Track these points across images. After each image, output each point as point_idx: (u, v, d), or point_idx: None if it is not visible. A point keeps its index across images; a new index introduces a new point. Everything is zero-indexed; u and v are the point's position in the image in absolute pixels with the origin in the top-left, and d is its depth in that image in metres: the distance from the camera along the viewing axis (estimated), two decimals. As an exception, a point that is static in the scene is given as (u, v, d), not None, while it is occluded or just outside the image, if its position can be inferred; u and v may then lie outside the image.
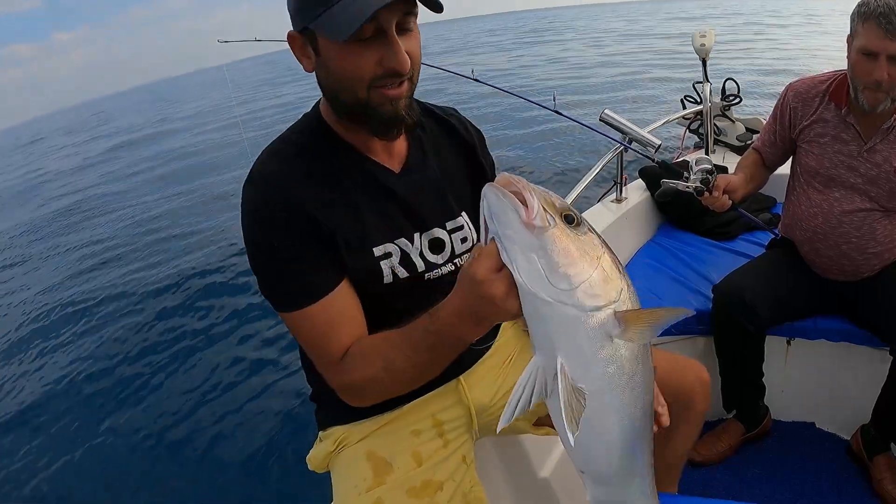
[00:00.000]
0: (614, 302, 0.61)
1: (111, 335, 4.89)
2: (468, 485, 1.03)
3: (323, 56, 0.83)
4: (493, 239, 0.64)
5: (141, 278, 6.02)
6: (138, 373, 4.12)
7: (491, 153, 1.11)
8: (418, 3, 0.80)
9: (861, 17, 1.39)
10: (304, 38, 0.84)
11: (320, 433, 1.08)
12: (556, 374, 0.62)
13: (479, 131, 1.10)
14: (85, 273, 6.44)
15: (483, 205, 0.64)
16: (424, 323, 0.79)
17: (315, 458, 1.07)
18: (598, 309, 0.61)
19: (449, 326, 0.75)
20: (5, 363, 4.64)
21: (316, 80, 0.88)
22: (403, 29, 0.81)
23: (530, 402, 0.65)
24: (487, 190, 0.63)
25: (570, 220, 0.63)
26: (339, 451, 1.03)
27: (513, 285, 0.64)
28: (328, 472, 1.08)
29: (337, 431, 1.04)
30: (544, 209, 0.61)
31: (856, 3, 1.42)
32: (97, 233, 7.90)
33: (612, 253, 0.65)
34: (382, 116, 0.84)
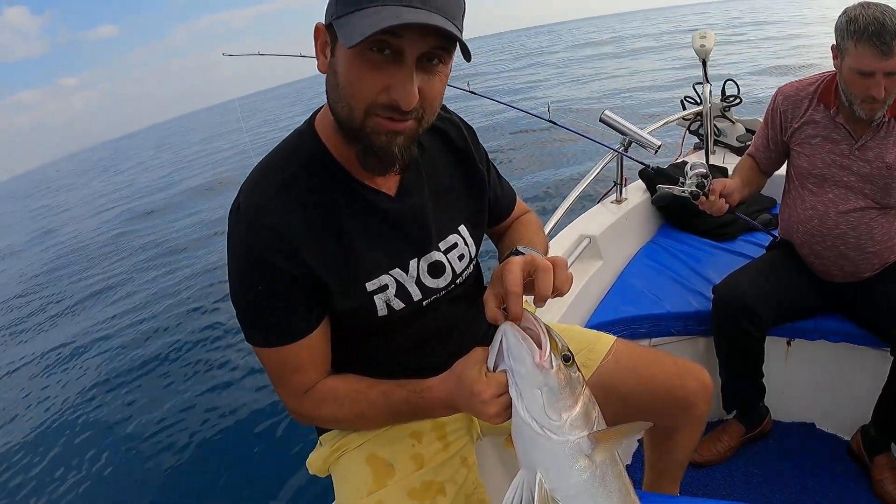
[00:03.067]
0: (590, 428, 0.74)
1: (109, 337, 4.89)
2: (471, 487, 1.03)
3: (335, 59, 0.76)
4: (503, 371, 0.76)
5: (140, 284, 6.02)
6: (138, 376, 4.12)
7: (488, 154, 1.08)
8: (455, 45, 0.73)
9: (852, 36, 1.35)
10: (329, 33, 0.76)
11: (320, 437, 1.08)
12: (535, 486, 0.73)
13: (470, 129, 1.05)
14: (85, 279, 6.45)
15: (501, 339, 0.76)
16: (406, 394, 0.87)
17: (315, 461, 1.07)
18: (579, 437, 0.73)
19: (430, 409, 0.86)
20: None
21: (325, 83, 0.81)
22: (428, 65, 0.74)
23: None
24: (508, 330, 0.75)
25: (567, 359, 0.75)
26: (339, 455, 1.03)
27: (506, 408, 0.75)
28: (328, 475, 1.08)
29: (337, 435, 1.04)
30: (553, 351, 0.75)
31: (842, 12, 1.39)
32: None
33: (587, 385, 0.78)
34: (374, 147, 0.78)
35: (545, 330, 0.75)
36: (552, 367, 0.73)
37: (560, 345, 0.76)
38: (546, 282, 0.77)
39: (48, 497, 3.05)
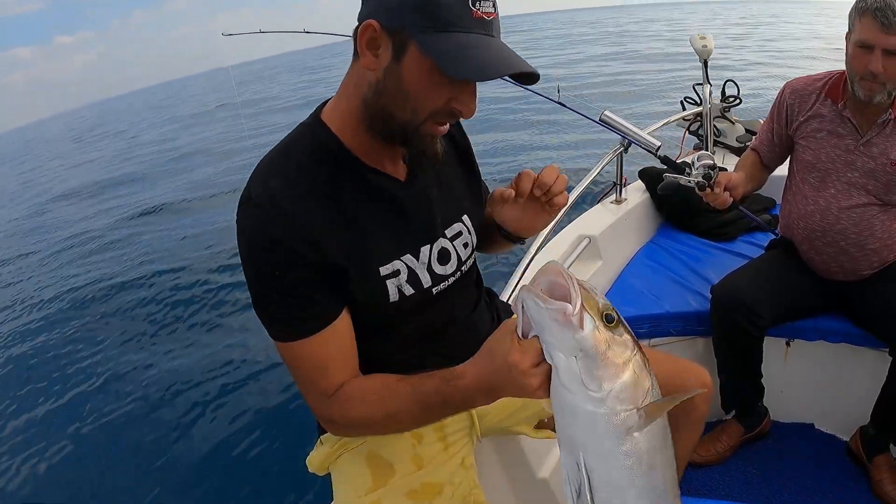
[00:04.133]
0: (640, 402, 0.64)
1: (109, 330, 4.87)
2: (467, 488, 1.03)
3: (403, 66, 0.76)
4: (535, 336, 0.67)
5: (137, 269, 6.00)
6: (137, 372, 4.11)
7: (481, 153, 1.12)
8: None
9: (858, 11, 1.42)
10: (390, 36, 0.75)
11: (321, 436, 1.08)
12: (578, 470, 0.65)
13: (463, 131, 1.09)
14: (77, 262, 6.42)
15: (521, 306, 0.67)
16: (437, 384, 0.81)
17: (315, 460, 1.07)
18: (626, 410, 0.64)
19: (463, 398, 0.79)
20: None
21: (360, 79, 0.81)
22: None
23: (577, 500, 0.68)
24: (525, 295, 0.65)
25: (610, 319, 0.65)
26: (339, 454, 1.03)
27: (547, 378, 0.68)
28: (327, 474, 1.08)
29: (338, 434, 1.03)
30: (585, 310, 0.63)
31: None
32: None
33: (642, 351, 0.67)
34: (422, 148, 0.83)
35: (576, 283, 0.64)
36: (584, 327, 0.62)
37: (600, 303, 0.65)
38: (527, 180, 0.90)
39: (46, 489, 3.05)
